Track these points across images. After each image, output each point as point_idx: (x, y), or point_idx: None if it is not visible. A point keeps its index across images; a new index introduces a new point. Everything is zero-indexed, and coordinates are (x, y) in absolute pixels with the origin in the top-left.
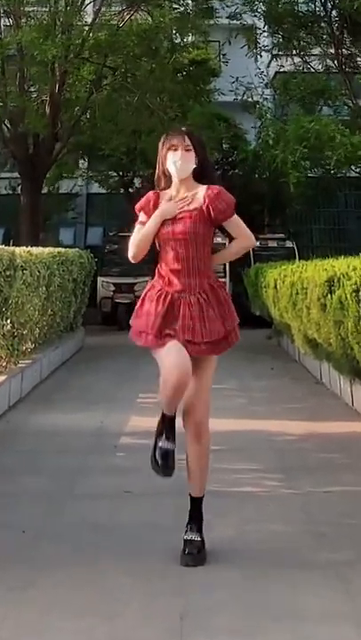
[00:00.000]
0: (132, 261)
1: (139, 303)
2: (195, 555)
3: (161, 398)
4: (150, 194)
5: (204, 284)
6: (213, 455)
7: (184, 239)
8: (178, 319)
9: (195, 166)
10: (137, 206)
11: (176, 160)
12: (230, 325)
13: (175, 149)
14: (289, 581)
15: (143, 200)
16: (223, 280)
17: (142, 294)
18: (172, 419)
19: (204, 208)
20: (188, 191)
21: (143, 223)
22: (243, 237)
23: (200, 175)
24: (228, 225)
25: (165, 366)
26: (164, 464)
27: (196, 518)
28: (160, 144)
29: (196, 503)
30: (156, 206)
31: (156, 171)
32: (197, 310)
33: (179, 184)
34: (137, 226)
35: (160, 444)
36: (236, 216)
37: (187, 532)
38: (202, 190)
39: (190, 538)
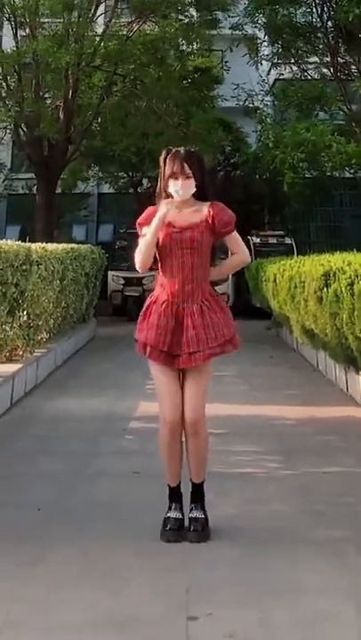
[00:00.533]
0: (141, 271)
1: (142, 315)
2: (199, 532)
3: (162, 455)
4: (150, 209)
5: (206, 292)
6: (215, 438)
7: (191, 247)
8: (182, 332)
9: (195, 190)
10: (138, 222)
11: (177, 189)
12: (232, 331)
13: (176, 178)
14: (288, 558)
15: (143, 215)
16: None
17: (146, 306)
18: (176, 489)
19: (209, 220)
20: (190, 207)
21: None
22: (242, 253)
23: (199, 194)
24: (230, 239)
25: (160, 411)
26: (170, 532)
27: (198, 498)
28: (161, 161)
29: (198, 487)
30: (149, 221)
31: (158, 185)
32: (200, 320)
33: (180, 202)
34: (140, 240)
35: (167, 514)
36: (235, 232)
37: (191, 510)
38: (205, 206)
39: (195, 516)
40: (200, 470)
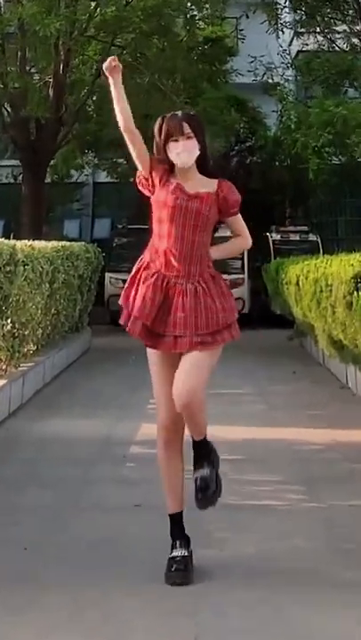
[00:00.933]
0: (123, 130)
1: (129, 281)
2: (205, 491)
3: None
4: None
5: (205, 272)
6: (229, 465)
7: (195, 220)
8: (170, 312)
9: (198, 153)
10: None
11: (179, 152)
12: (228, 320)
13: (176, 140)
14: (310, 603)
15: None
16: (241, 276)
17: (134, 270)
18: (177, 518)
19: (220, 194)
20: (194, 178)
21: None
22: (246, 237)
23: (201, 166)
24: (235, 221)
25: (157, 412)
26: (177, 574)
27: (202, 454)
28: (156, 128)
29: (200, 444)
30: (163, 173)
31: (154, 155)
32: (192, 301)
33: (184, 172)
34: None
35: (171, 553)
36: (240, 215)
37: (195, 471)
38: (212, 181)
39: (200, 475)
40: (200, 425)
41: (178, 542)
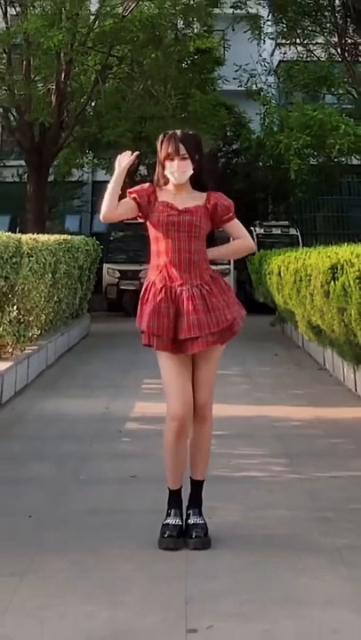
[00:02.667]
0: (102, 220)
1: (141, 302)
2: (202, 538)
3: (165, 454)
4: (148, 185)
5: (204, 275)
6: (217, 440)
7: (189, 232)
8: (183, 317)
9: (191, 172)
10: (129, 190)
11: (173, 171)
12: (234, 313)
13: (171, 159)
14: (293, 567)
15: (138, 186)
16: (227, 267)
17: (143, 293)
18: (177, 493)
19: (208, 206)
20: (185, 193)
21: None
22: (247, 239)
23: (196, 182)
24: (232, 226)
25: (168, 406)
26: (169, 540)
27: (197, 502)
28: (158, 144)
29: (199, 487)
30: (150, 198)
31: (157, 170)
32: (201, 302)
33: (178, 186)
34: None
35: (165, 520)
36: (236, 219)
37: (189, 516)
38: (202, 194)
39: (195, 522)
40: (204, 464)
41: (173, 511)
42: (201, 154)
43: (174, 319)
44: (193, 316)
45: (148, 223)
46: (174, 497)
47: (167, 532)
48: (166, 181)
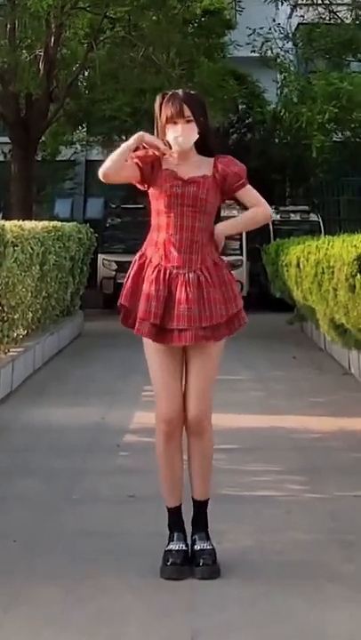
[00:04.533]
0: (101, 178)
1: (131, 279)
2: (210, 566)
3: (158, 462)
4: (153, 152)
5: (207, 259)
6: (227, 455)
7: (193, 206)
8: (174, 304)
9: (197, 137)
10: (137, 152)
11: (177, 136)
12: (234, 309)
13: (175, 123)
14: (311, 597)
15: (142, 150)
16: (240, 258)
17: (135, 267)
18: (177, 512)
19: (216, 175)
20: (191, 160)
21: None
22: (261, 205)
23: (201, 145)
24: (246, 193)
25: (156, 404)
26: (173, 568)
27: (202, 526)
28: (156, 108)
29: (202, 507)
30: (153, 164)
31: (155, 135)
32: (196, 292)
33: (182, 153)
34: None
35: (168, 546)
36: (249, 185)
37: (195, 542)
38: (209, 160)
39: (202, 547)
40: (205, 482)
41: (175, 535)
42: (206, 116)
43: (164, 304)
44: (184, 306)
45: (149, 193)
46: (174, 517)
47: (170, 560)
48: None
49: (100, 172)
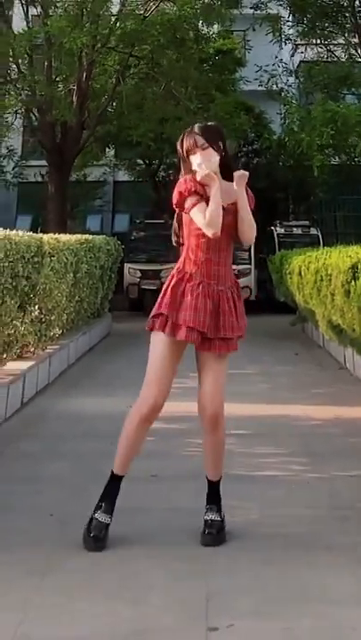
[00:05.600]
0: (216, 237)
1: (170, 291)
2: (214, 535)
3: (125, 427)
4: (188, 178)
5: (232, 277)
6: (237, 439)
7: (227, 231)
8: (219, 316)
9: (218, 158)
10: (184, 191)
11: (198, 162)
12: (244, 325)
13: (193, 153)
14: (313, 565)
15: (186, 184)
16: (248, 267)
17: (172, 278)
18: (117, 482)
19: (233, 205)
20: (223, 188)
21: (198, 201)
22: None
23: (222, 170)
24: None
25: (147, 386)
26: (94, 537)
27: (214, 500)
28: (178, 146)
29: (214, 487)
30: (197, 187)
31: (181, 172)
32: (233, 304)
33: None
34: (194, 209)
35: (94, 514)
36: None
37: (206, 512)
38: (231, 185)
39: (210, 518)
40: (218, 467)
41: (104, 505)
42: (223, 141)
43: (210, 316)
44: (229, 317)
45: (190, 215)
46: (113, 485)
47: (93, 533)
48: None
49: (212, 234)
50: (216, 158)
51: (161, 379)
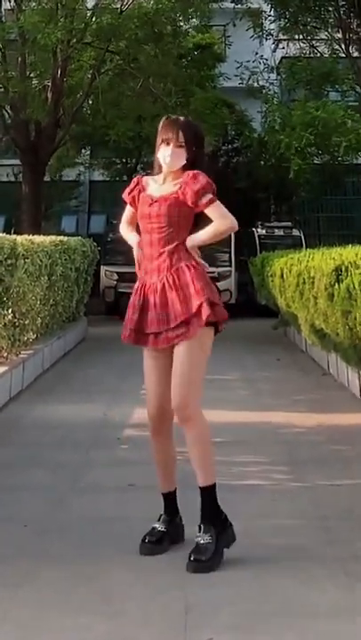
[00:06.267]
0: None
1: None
2: (199, 562)
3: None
4: (136, 178)
5: (173, 266)
6: (217, 447)
7: (158, 222)
8: (147, 311)
9: (184, 162)
10: (125, 191)
11: (166, 156)
12: (192, 309)
13: (167, 144)
14: (294, 577)
15: (127, 189)
16: (228, 269)
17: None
18: (166, 497)
19: (179, 192)
20: (175, 180)
21: (127, 203)
22: (220, 219)
23: (191, 169)
24: (210, 212)
25: (147, 402)
26: (148, 543)
27: (204, 514)
28: (159, 127)
29: (203, 494)
30: (137, 196)
31: (155, 155)
32: (161, 296)
33: (167, 173)
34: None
35: (154, 524)
36: (217, 202)
37: (198, 531)
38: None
39: (198, 541)
40: (200, 469)
41: (162, 516)
42: (200, 146)
43: (139, 311)
44: (153, 312)
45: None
46: (165, 501)
47: (147, 538)
48: (160, 169)
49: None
50: (182, 162)
51: (150, 389)
